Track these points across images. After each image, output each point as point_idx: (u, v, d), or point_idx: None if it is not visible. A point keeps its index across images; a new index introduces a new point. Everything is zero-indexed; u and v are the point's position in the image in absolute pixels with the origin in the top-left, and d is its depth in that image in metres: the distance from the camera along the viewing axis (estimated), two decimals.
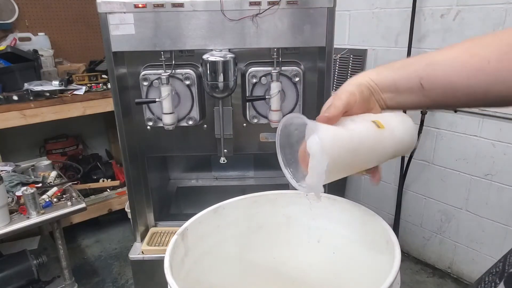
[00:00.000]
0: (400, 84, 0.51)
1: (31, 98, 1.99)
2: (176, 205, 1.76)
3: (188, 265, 0.57)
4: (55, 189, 1.69)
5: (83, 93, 2.14)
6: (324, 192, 0.60)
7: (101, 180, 2.49)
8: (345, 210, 0.62)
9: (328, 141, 0.44)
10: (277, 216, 0.67)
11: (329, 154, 0.43)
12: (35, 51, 2.22)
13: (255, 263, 0.68)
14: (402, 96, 0.52)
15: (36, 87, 2.02)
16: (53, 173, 1.83)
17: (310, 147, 0.45)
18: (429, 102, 0.51)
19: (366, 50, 2.16)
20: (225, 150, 1.36)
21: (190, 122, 1.28)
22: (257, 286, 0.69)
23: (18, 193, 1.60)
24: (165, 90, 1.19)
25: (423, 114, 1.91)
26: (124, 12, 1.13)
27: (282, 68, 1.21)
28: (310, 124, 0.45)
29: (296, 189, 0.50)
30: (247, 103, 1.28)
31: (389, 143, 0.51)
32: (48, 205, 1.60)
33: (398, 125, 0.53)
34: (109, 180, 2.50)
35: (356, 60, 2.21)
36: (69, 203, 1.62)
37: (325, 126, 0.46)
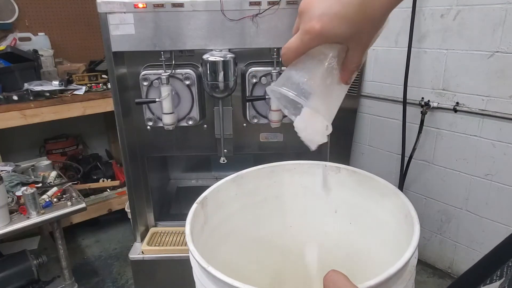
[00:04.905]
0: None
1: (31, 98, 1.99)
2: (176, 205, 1.76)
3: (208, 232, 0.58)
4: (55, 189, 1.69)
5: (83, 93, 2.14)
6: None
7: (101, 180, 2.49)
8: (364, 182, 0.61)
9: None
10: (294, 185, 0.68)
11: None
12: (35, 51, 2.22)
13: (272, 231, 0.69)
14: None
15: (36, 87, 2.02)
16: (53, 173, 1.83)
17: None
18: None
19: None
20: (225, 150, 1.36)
21: (190, 122, 1.28)
22: (273, 252, 0.70)
23: (18, 193, 1.60)
24: (165, 90, 1.19)
25: (423, 114, 1.91)
26: (124, 12, 1.13)
27: (282, 68, 1.21)
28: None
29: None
30: (247, 103, 1.28)
31: None
32: (48, 205, 1.60)
33: None
34: (109, 180, 2.50)
35: None
36: (69, 203, 1.62)
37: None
